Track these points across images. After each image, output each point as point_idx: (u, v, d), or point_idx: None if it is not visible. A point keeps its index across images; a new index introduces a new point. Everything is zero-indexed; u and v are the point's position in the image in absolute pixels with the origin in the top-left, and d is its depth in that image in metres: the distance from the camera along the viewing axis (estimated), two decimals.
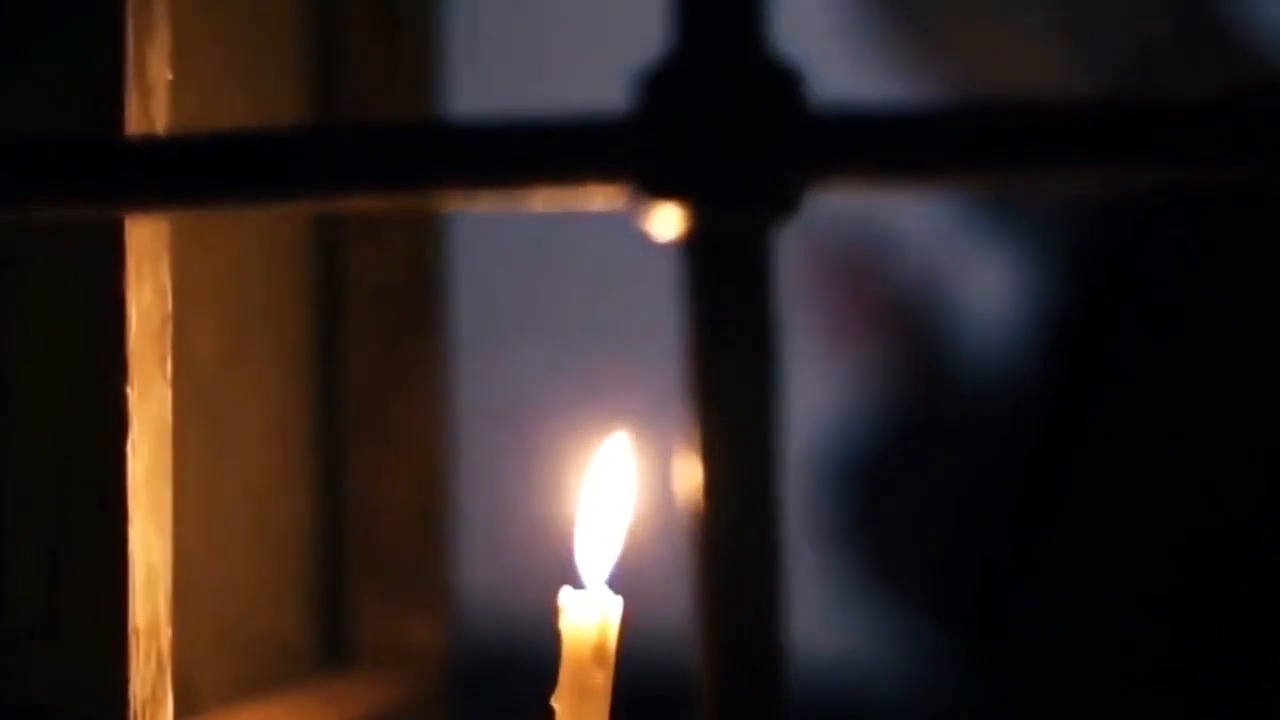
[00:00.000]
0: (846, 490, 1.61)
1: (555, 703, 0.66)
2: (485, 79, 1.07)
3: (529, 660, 0.70)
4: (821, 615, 1.52)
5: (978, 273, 1.60)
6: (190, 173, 0.49)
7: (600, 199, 0.46)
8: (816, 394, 1.53)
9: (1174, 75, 1.50)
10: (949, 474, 1.60)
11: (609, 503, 0.68)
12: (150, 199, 0.52)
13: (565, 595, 0.66)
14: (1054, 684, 1.51)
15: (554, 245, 1.66)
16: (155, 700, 0.64)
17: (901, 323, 1.63)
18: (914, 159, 0.46)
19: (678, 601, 0.50)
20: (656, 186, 0.45)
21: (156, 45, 0.63)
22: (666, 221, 0.45)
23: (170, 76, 0.64)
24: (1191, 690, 1.45)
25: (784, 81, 0.45)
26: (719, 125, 0.45)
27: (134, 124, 0.62)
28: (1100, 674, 1.46)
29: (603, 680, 0.65)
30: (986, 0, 1.55)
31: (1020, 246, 1.58)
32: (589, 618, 0.66)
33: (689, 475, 0.45)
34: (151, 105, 0.63)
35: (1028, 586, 1.53)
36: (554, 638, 0.66)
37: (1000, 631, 1.55)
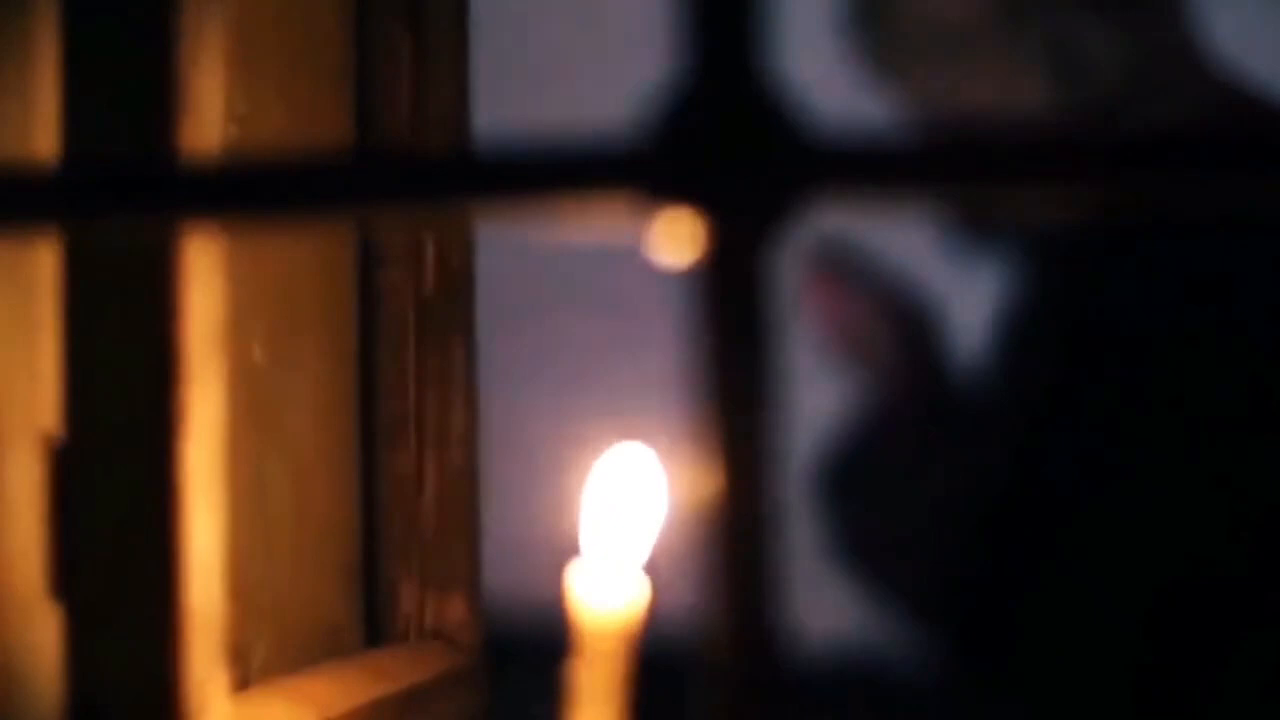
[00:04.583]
0: (832, 492, 1.60)
1: (574, 674, 0.69)
2: (508, 98, 1.09)
3: (551, 636, 0.72)
4: (822, 601, 1.52)
5: (971, 277, 1.59)
6: (237, 194, 0.51)
7: (614, 213, 0.49)
8: (817, 395, 1.53)
9: (1146, 101, 1.48)
10: (936, 474, 1.59)
11: (620, 493, 0.70)
12: (200, 218, 0.55)
13: (575, 570, 0.68)
14: (1046, 678, 1.51)
15: (569, 263, 1.67)
16: (210, 677, 0.67)
17: (883, 328, 1.62)
18: (904, 179, 0.49)
19: (690, 583, 0.51)
20: (665, 202, 0.48)
21: (207, 75, 0.67)
22: (673, 236, 0.48)
23: (220, 104, 0.68)
24: (1180, 686, 1.45)
25: (784, 106, 0.48)
26: (724, 146, 0.48)
27: (187, 147, 0.66)
28: (1093, 669, 1.46)
29: (618, 650, 0.67)
30: (969, 27, 1.53)
31: (1010, 253, 1.56)
32: (600, 592, 0.68)
33: (696, 470, 0.48)
34: (203, 130, 0.67)
35: (1017, 586, 1.52)
36: (572, 614, 0.69)
37: (991, 628, 1.55)
